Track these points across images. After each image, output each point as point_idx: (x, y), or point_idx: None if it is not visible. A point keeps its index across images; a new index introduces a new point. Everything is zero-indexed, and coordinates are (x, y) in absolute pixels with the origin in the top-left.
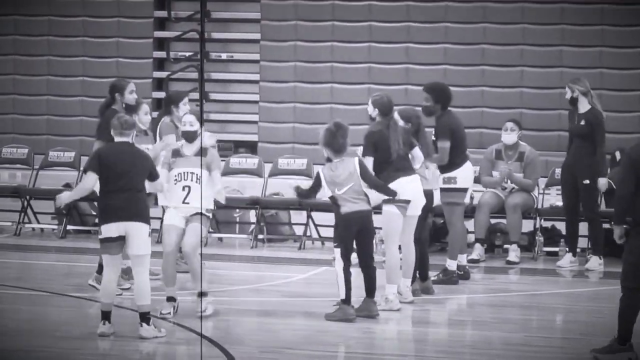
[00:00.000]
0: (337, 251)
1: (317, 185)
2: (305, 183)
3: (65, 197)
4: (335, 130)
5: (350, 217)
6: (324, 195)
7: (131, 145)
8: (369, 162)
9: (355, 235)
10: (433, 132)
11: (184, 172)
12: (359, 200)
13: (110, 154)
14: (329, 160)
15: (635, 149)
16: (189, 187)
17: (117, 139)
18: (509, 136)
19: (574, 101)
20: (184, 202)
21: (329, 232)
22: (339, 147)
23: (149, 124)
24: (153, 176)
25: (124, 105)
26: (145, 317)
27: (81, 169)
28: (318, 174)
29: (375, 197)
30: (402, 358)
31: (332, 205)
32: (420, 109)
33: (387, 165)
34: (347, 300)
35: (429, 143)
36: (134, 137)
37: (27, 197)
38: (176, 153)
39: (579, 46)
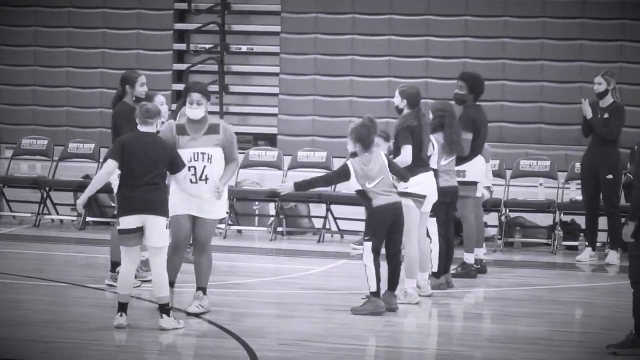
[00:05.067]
0: (368, 244)
1: (340, 177)
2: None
3: (82, 200)
4: (370, 125)
5: (384, 209)
6: (349, 188)
7: (154, 135)
8: (409, 150)
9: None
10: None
11: None
12: (390, 193)
13: (132, 145)
14: (354, 155)
15: None
16: None
17: (141, 128)
18: None
19: (603, 94)
20: None
21: (348, 225)
22: (370, 143)
23: (167, 115)
24: (173, 168)
25: (134, 97)
26: (164, 309)
27: (101, 160)
28: (347, 166)
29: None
30: (421, 351)
31: (362, 199)
32: (442, 102)
33: (416, 160)
34: (377, 293)
35: (454, 139)
36: (158, 125)
37: (47, 188)
38: None
39: (599, 40)
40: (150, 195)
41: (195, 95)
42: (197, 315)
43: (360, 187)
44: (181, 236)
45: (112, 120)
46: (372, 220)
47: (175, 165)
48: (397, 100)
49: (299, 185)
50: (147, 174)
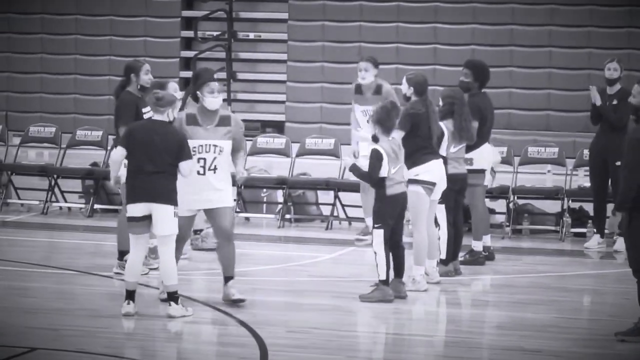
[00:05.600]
0: (379, 232)
1: (379, 165)
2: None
3: (113, 180)
4: (390, 108)
5: (397, 198)
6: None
7: (164, 124)
8: (400, 135)
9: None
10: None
11: None
12: (402, 181)
13: (138, 134)
14: (375, 139)
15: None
16: None
17: (154, 115)
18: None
19: (617, 80)
20: None
21: (356, 212)
22: (391, 126)
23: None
24: (178, 157)
25: (139, 86)
26: (173, 297)
27: (108, 148)
28: (377, 151)
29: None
30: (430, 339)
31: (376, 187)
32: (452, 89)
33: (426, 147)
34: (386, 282)
35: (463, 126)
36: (170, 114)
37: (55, 175)
38: None
39: (607, 27)
40: (156, 183)
41: (215, 85)
42: (242, 300)
43: (384, 174)
44: (181, 232)
45: (115, 110)
46: (384, 208)
47: (181, 154)
48: (405, 88)
49: (354, 168)
50: (152, 162)
